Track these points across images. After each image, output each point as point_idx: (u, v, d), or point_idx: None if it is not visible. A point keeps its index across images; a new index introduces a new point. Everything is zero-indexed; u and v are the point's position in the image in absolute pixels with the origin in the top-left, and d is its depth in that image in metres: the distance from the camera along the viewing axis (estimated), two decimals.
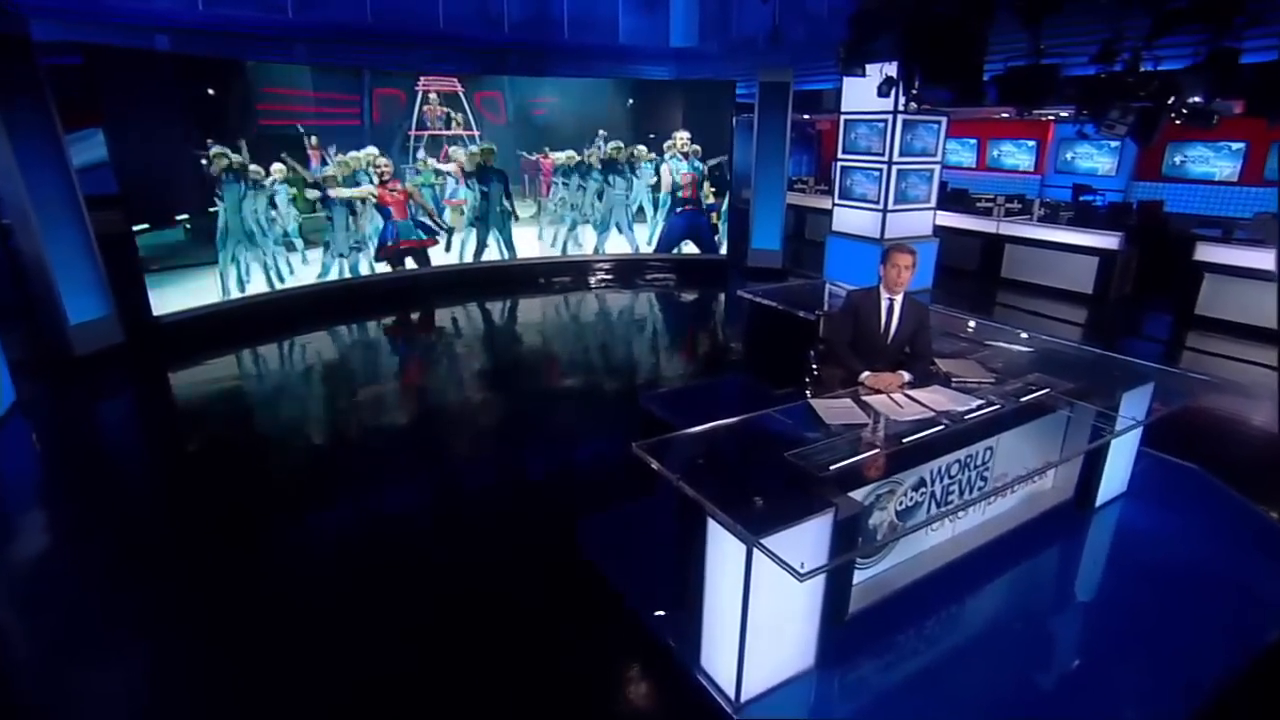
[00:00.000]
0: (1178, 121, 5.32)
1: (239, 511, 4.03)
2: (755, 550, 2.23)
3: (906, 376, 3.50)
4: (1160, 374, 3.73)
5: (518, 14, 11.16)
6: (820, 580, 2.58)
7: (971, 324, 4.65)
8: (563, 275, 9.77)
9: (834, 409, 3.17)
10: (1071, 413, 3.36)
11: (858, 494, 2.70)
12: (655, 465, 2.72)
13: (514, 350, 7.19)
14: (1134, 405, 3.42)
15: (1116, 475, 3.81)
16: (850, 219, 9.23)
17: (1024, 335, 4.30)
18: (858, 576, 3.06)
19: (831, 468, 2.64)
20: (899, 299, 3.69)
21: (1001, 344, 4.15)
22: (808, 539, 2.40)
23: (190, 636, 3.04)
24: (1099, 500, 3.77)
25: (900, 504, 3.06)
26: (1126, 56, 5.61)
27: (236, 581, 3.39)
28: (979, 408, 3.14)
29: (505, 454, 4.82)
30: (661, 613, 3.01)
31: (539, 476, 4.58)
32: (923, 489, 3.12)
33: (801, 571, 2.12)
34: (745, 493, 2.48)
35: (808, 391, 4.02)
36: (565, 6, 11.51)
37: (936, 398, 3.24)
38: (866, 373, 3.54)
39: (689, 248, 10.16)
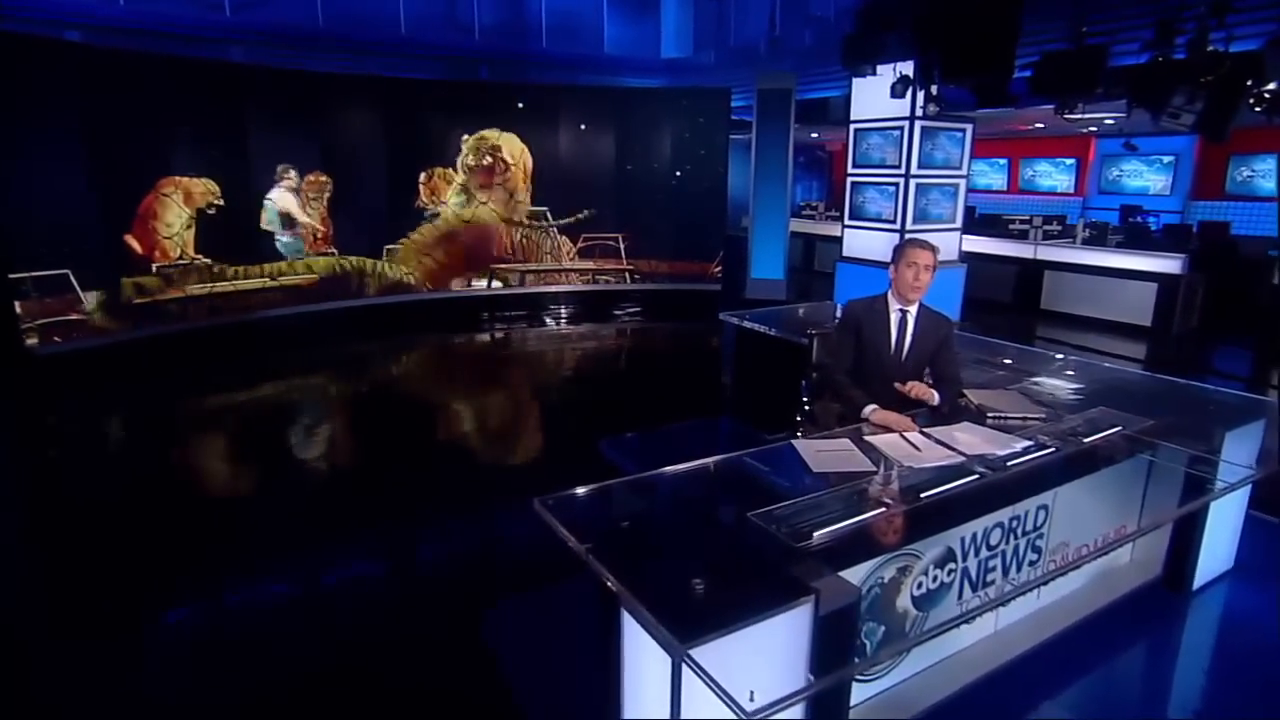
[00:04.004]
0: (1257, 109, 4.77)
1: (81, 597, 3.35)
2: (685, 665, 1.55)
3: (936, 398, 2.88)
4: (1269, 408, 3.06)
5: (490, 20, 10.95)
6: (799, 706, 1.86)
7: (1009, 359, 4.00)
8: (516, 309, 9.33)
9: (825, 452, 2.53)
10: (1154, 458, 2.68)
11: (853, 573, 2.01)
12: (560, 530, 2.05)
13: (438, 397, 6.63)
14: (1240, 449, 2.74)
15: (1220, 545, 3.11)
16: (862, 242, 8.70)
17: (1060, 358, 3.64)
18: (858, 693, 2.33)
19: (815, 535, 1.97)
20: (913, 310, 3.11)
21: (1048, 378, 3.52)
22: (771, 646, 1.72)
23: None
24: (1197, 580, 3.07)
25: (919, 587, 2.34)
26: (1188, 39, 5.11)
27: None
28: (1026, 451, 2.51)
29: (412, 526, 4.09)
30: None
31: (448, 552, 3.87)
32: (951, 565, 2.41)
33: (748, 709, 1.42)
34: (682, 572, 1.82)
35: (799, 432, 3.38)
36: (544, 13, 11.31)
37: (968, 438, 2.61)
38: (871, 405, 2.88)
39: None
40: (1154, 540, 3.11)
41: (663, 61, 12.03)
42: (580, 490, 2.33)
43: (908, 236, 3.22)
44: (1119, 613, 2.96)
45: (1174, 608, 3.06)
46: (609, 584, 1.78)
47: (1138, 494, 2.96)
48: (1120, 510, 2.92)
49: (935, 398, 2.95)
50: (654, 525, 2.21)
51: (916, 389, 2.94)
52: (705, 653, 1.54)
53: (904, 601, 2.32)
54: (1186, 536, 3.02)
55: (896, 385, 2.96)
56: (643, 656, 1.82)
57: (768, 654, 1.72)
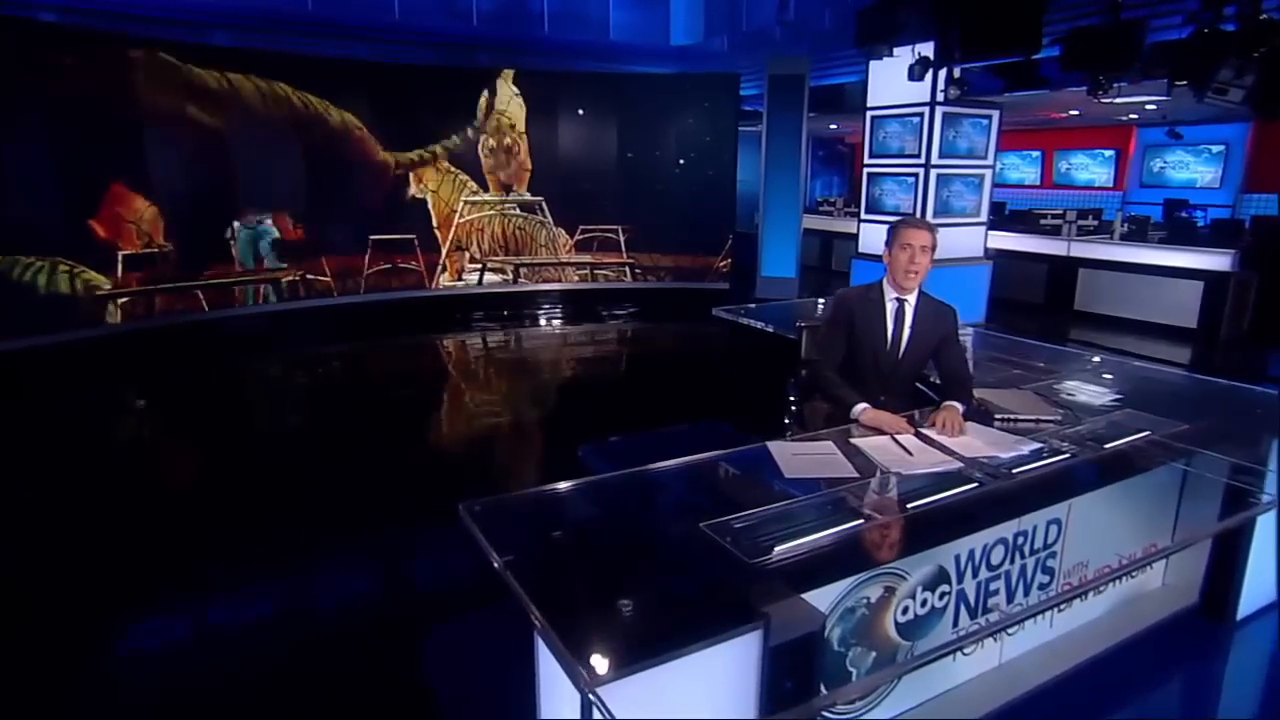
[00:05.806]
0: None
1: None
2: (594, 705, 1.35)
3: (959, 408, 2.60)
4: None
5: (488, 4, 10.87)
6: None
7: (1030, 358, 3.77)
8: (508, 305, 9.22)
9: (802, 456, 2.34)
10: (1189, 467, 2.43)
11: (819, 595, 1.78)
12: (480, 539, 1.87)
13: (418, 400, 6.43)
14: None
15: (1268, 569, 2.85)
16: (879, 237, 8.41)
17: (1097, 360, 3.40)
18: None
19: (776, 550, 1.76)
20: (911, 299, 2.92)
21: (1070, 379, 3.30)
22: (708, 682, 1.52)
23: None
24: (1241, 609, 2.81)
25: (904, 612, 2.11)
26: (1236, 10, 4.84)
27: None
28: (1036, 456, 2.31)
29: (353, 541, 3.89)
30: None
31: (385, 569, 3.69)
32: (944, 587, 2.17)
33: None
34: (613, 591, 1.63)
35: (787, 435, 3.17)
36: None
37: (968, 441, 2.42)
38: (861, 405, 2.67)
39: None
40: (1190, 562, 2.86)
41: (673, 49, 11.88)
42: (517, 495, 2.16)
43: (902, 216, 3.00)
44: (1147, 645, 2.71)
45: (1213, 640, 2.82)
46: (520, 599, 1.59)
47: (1170, 508, 2.71)
48: (1149, 526, 2.67)
49: (959, 415, 2.54)
50: (592, 536, 2.01)
51: (946, 422, 2.49)
52: (621, 689, 1.35)
53: (887, 629, 2.09)
54: (1228, 558, 2.77)
55: (927, 432, 2.49)
56: (557, 690, 1.61)
57: (704, 691, 1.52)
